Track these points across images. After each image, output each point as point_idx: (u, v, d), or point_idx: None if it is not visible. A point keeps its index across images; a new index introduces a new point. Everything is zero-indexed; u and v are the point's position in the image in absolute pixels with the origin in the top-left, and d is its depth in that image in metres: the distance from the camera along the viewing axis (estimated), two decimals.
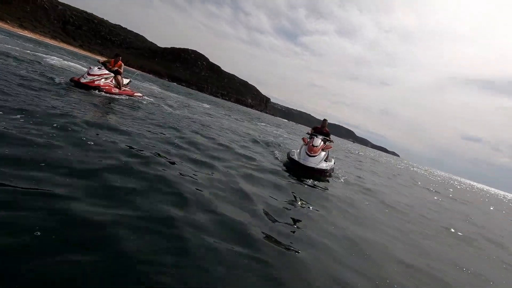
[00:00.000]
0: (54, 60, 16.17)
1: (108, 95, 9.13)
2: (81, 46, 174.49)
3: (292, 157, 7.30)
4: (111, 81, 9.53)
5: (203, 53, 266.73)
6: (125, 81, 10.71)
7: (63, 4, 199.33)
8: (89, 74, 8.71)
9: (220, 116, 16.83)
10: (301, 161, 7.04)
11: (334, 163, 9.88)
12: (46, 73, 9.36)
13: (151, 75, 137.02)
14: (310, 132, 8.50)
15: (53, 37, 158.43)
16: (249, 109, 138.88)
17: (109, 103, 7.78)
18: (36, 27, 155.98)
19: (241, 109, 62.78)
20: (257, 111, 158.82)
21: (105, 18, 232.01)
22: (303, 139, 8.10)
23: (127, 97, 10.38)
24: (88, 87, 8.42)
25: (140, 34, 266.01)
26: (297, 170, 6.94)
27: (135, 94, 11.27)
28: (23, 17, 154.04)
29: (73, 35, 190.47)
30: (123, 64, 10.67)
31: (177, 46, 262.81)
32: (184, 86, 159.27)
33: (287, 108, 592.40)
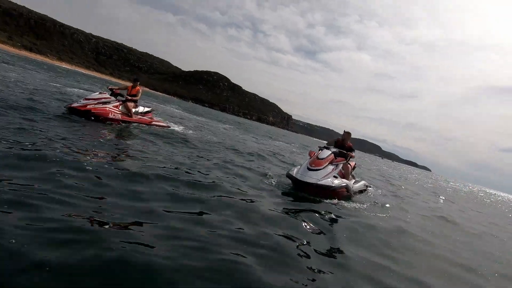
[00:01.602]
0: (74, 89, 15.47)
1: (113, 122, 7.97)
2: (111, 74, 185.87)
3: (291, 173, 5.71)
4: (116, 106, 8.17)
5: (224, 75, 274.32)
6: (142, 109, 9.23)
7: (96, 37, 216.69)
8: (85, 99, 7.78)
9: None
10: (298, 177, 5.43)
11: (367, 187, 7.81)
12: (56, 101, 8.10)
13: (175, 98, 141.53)
14: (326, 145, 6.52)
15: (87, 67, 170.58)
16: (271, 126, 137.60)
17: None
18: (73, 59, 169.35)
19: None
20: (279, 129, 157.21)
21: (133, 47, 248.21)
22: (309, 152, 6.41)
23: (145, 126, 8.85)
24: (79, 112, 7.36)
25: (165, 60, 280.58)
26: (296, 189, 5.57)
27: (155, 122, 9.70)
28: (61, 51, 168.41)
29: (104, 64, 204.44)
30: (141, 90, 9.27)
31: (200, 69, 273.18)
32: (207, 107, 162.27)
33: (309, 124, 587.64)
